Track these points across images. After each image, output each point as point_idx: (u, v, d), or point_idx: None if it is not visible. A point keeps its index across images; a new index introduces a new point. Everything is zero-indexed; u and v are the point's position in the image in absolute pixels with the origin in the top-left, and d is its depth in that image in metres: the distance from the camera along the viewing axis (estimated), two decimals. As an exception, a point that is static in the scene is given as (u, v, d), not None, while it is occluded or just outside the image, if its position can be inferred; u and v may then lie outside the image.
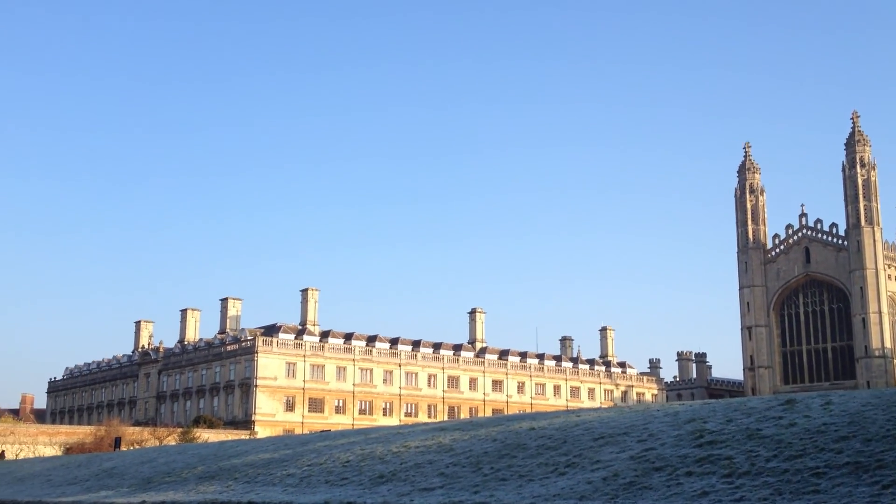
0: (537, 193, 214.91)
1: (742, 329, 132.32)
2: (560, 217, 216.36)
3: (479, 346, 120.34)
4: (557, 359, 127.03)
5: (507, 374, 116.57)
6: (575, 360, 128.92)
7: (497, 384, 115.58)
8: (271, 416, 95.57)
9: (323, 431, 37.58)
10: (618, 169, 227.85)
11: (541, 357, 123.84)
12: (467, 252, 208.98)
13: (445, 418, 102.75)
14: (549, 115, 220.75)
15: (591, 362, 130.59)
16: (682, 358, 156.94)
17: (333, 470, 20.43)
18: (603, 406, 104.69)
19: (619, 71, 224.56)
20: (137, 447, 62.26)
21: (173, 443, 70.34)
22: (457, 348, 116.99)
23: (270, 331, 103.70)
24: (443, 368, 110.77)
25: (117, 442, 56.61)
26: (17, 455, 74.28)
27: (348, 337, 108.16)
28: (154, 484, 26.08)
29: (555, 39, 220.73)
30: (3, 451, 75.92)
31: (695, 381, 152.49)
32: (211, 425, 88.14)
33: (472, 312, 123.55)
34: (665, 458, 13.55)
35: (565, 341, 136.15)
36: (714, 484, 11.85)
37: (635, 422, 16.48)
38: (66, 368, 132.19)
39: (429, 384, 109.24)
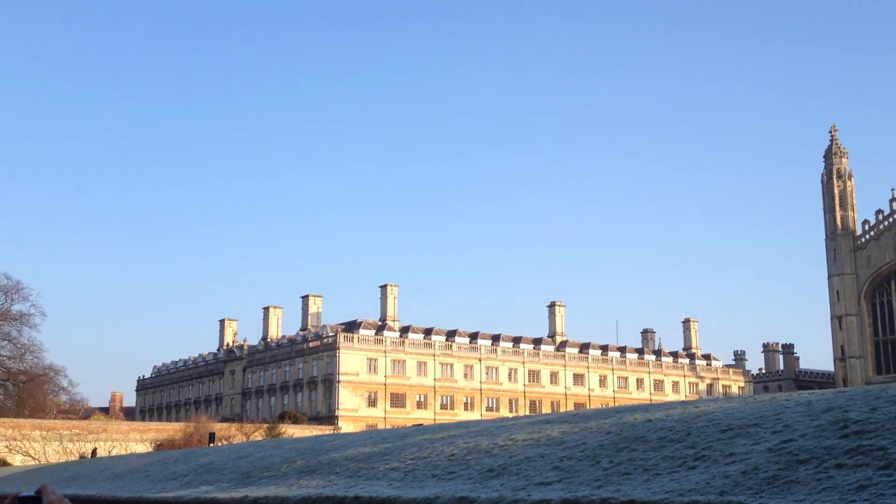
0: (617, 186, 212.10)
1: (832, 318, 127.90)
2: (639, 208, 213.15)
3: (559, 339, 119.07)
4: (639, 352, 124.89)
5: (588, 367, 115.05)
6: (657, 353, 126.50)
7: (578, 378, 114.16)
8: (354, 411, 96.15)
9: (417, 425, 37.20)
10: (699, 156, 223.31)
11: (622, 350, 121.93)
12: (545, 245, 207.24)
13: (527, 412, 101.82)
14: (622, 102, 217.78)
15: (675, 355, 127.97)
16: (768, 349, 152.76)
17: (439, 464, 19.88)
18: (689, 399, 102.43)
19: (701, 50, 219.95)
20: (225, 443, 63.10)
21: (260, 438, 71.12)
22: (537, 342, 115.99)
23: (351, 327, 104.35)
24: (523, 363, 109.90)
25: (211, 437, 57.38)
26: (109, 452, 76.11)
27: (428, 332, 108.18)
28: (254, 478, 25.95)
29: (632, 14, 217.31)
30: (95, 449, 77.94)
31: (782, 373, 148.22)
32: (296, 421, 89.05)
33: (552, 306, 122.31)
34: (809, 449, 12.61)
35: (647, 334, 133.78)
36: (871, 477, 10.90)
37: (764, 412, 15.53)
38: (154, 367, 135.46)
39: (509, 378, 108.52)
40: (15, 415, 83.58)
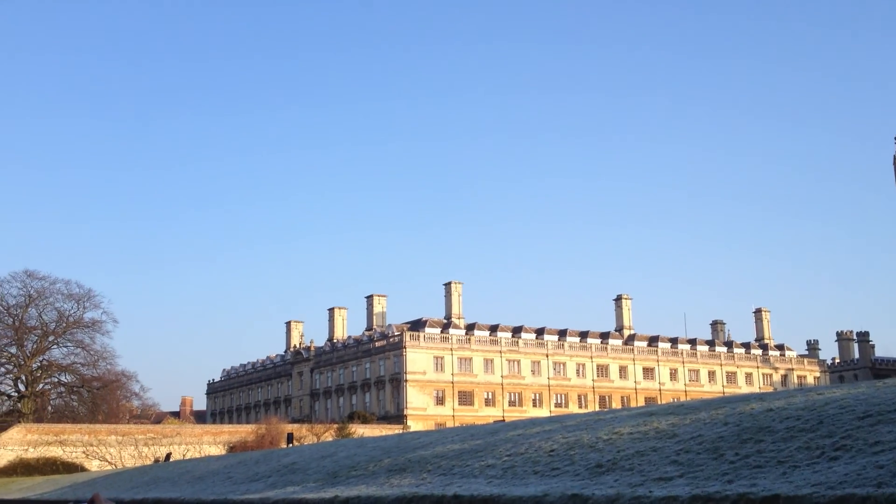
0: (684, 175, 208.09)
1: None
2: (707, 198, 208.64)
3: (626, 333, 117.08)
4: (710, 343, 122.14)
5: (658, 361, 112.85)
6: (729, 345, 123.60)
7: (648, 372, 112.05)
8: (422, 409, 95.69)
9: (499, 421, 36.25)
10: (769, 145, 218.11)
11: (692, 342, 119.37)
12: (611, 238, 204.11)
13: (597, 408, 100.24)
14: (695, 88, 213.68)
15: (747, 346, 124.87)
16: (842, 338, 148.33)
17: (539, 460, 18.94)
18: (763, 391, 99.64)
19: (769, 39, 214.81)
20: (297, 444, 62.98)
21: (330, 438, 70.95)
22: (604, 336, 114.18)
23: (416, 326, 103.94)
24: (591, 357, 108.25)
25: (290, 437, 57.31)
26: (183, 455, 76.72)
27: (493, 329, 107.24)
28: (341, 478, 25.34)
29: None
30: (170, 453, 78.69)
31: (858, 362, 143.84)
32: (365, 420, 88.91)
33: (618, 299, 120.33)
34: (971, 436, 11.42)
35: (716, 325, 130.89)
36: None
37: (903, 397, 14.32)
38: (223, 370, 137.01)
39: (577, 374, 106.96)
40: (89, 420, 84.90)
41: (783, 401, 17.25)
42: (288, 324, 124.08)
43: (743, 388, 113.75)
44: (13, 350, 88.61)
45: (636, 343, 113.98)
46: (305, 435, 77.72)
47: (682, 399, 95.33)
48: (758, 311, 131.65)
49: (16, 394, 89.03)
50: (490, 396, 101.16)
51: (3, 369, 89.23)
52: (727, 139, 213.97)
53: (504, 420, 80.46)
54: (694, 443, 16.06)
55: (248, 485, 30.19)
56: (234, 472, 34.71)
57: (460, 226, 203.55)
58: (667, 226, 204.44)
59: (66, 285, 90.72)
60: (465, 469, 20.82)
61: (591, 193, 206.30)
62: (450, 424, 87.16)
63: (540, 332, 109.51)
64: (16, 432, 76.99)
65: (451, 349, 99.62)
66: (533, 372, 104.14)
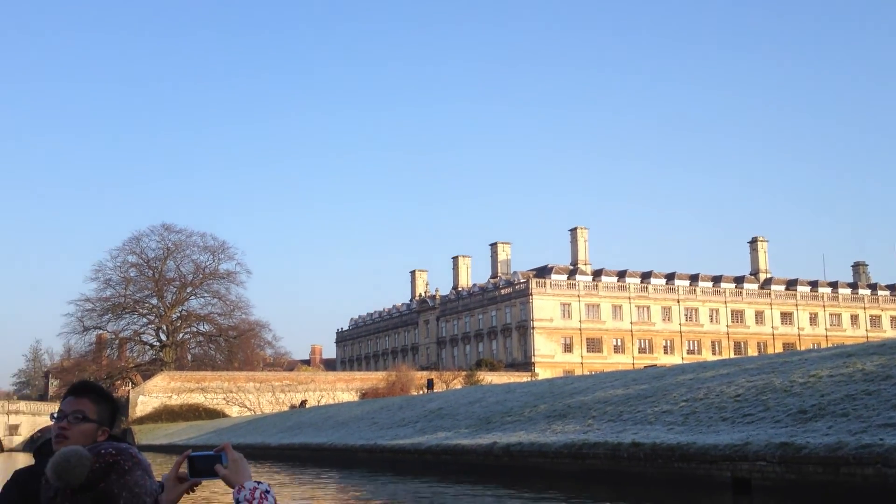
0: (818, 107, 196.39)
1: None
2: (845, 129, 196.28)
3: (762, 276, 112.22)
4: (852, 286, 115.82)
5: (796, 305, 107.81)
6: (872, 287, 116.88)
7: (786, 316, 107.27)
8: (550, 357, 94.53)
9: (651, 366, 34.66)
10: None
11: (833, 286, 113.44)
12: (744, 177, 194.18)
13: (731, 355, 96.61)
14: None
15: (892, 288, 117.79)
16: None
17: (724, 405, 17.29)
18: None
19: None
20: (425, 392, 62.96)
21: (459, 386, 70.76)
22: (738, 280, 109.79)
23: (542, 272, 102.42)
24: (725, 302, 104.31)
25: (430, 383, 57.09)
26: (318, 401, 78.11)
27: (622, 275, 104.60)
28: (494, 424, 24.33)
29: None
30: (305, 400, 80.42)
31: None
32: (492, 368, 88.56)
33: (753, 241, 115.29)
34: None
35: (858, 267, 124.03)
36: None
37: None
38: (351, 319, 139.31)
39: (711, 320, 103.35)
40: (226, 368, 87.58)
41: None
42: (413, 273, 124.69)
43: (888, 332, 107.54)
44: (154, 301, 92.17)
45: (773, 287, 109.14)
46: (435, 382, 77.92)
47: (824, 345, 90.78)
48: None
49: (158, 343, 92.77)
50: (619, 343, 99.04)
51: (145, 320, 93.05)
52: (852, 67, 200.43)
53: (634, 367, 78.50)
54: (918, 385, 14.14)
55: (396, 430, 29.68)
56: (378, 418, 34.38)
57: (585, 169, 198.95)
58: (804, 161, 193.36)
59: (201, 238, 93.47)
60: (635, 415, 19.37)
61: (723, 130, 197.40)
62: (578, 372, 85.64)
63: (670, 278, 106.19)
64: (159, 380, 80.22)
65: (578, 296, 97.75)
66: (663, 318, 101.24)
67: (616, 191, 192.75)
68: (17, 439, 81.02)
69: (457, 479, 19.40)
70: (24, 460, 42.44)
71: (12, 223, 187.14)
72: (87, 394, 2.89)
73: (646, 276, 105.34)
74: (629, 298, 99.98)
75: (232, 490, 2.33)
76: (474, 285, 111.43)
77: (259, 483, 2.30)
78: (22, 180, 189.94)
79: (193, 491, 2.64)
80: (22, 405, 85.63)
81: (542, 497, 15.14)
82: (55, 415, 2.86)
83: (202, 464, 2.48)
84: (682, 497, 13.69)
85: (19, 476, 2.74)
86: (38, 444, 2.64)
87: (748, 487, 13.50)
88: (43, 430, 77.99)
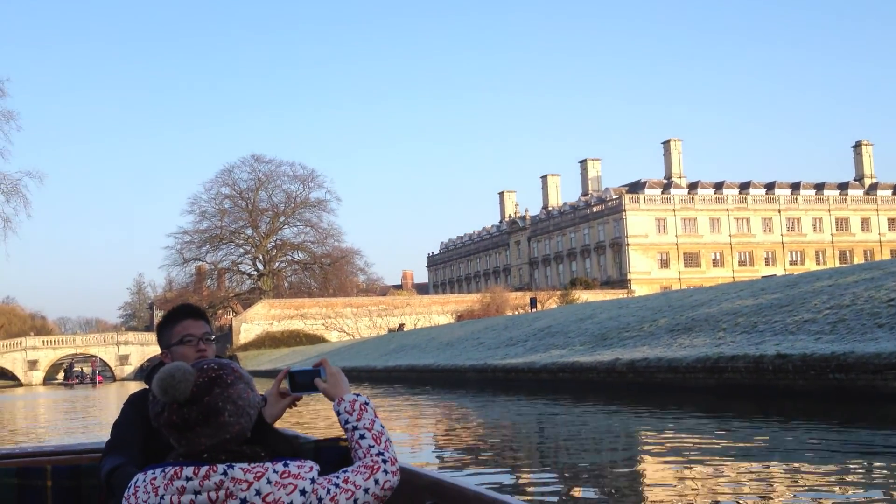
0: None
1: None
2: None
3: (867, 182, 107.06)
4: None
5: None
6: None
7: (894, 222, 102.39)
8: (646, 273, 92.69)
9: (770, 276, 32.98)
10: None
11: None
12: (844, 79, 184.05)
13: (837, 264, 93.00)
14: None
15: None
16: None
17: (878, 311, 15.88)
18: None
19: None
20: (521, 311, 62.29)
21: (555, 305, 69.90)
22: (842, 187, 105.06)
23: (635, 188, 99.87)
24: (828, 210, 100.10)
25: (533, 302, 56.48)
26: (415, 325, 78.47)
27: (718, 186, 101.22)
28: (611, 340, 23.37)
29: None
30: (403, 323, 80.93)
31: None
32: (587, 286, 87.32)
33: (857, 146, 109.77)
34: None
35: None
36: None
37: None
38: (441, 243, 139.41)
39: (814, 229, 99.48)
40: (322, 295, 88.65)
41: None
42: (501, 194, 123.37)
43: None
44: (249, 232, 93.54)
45: (879, 192, 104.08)
46: (529, 302, 77.28)
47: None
48: None
49: (255, 273, 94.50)
50: (717, 257, 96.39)
51: (241, 250, 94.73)
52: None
53: (735, 281, 76.08)
54: None
55: (505, 349, 29.04)
56: (483, 338, 33.82)
57: (676, 81, 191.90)
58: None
59: (290, 167, 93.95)
60: (773, 326, 18.09)
61: (815, 31, 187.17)
62: (676, 287, 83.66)
63: (770, 187, 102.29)
64: (260, 308, 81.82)
65: (674, 210, 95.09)
66: (764, 229, 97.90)
67: (709, 101, 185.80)
68: (128, 369, 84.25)
69: (577, 397, 18.59)
70: (136, 388, 43.74)
71: (112, 159, 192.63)
72: (204, 316, 3.01)
73: (744, 187, 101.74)
74: (727, 210, 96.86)
75: (332, 403, 2.36)
76: (564, 204, 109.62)
77: (358, 395, 2.33)
78: (124, 117, 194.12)
79: (295, 405, 2.68)
80: (130, 336, 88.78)
81: (689, 415, 14.16)
82: (186, 339, 2.91)
83: (302, 378, 2.51)
84: (845, 410, 12.53)
85: (134, 398, 2.93)
86: (148, 371, 2.63)
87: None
88: (151, 360, 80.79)
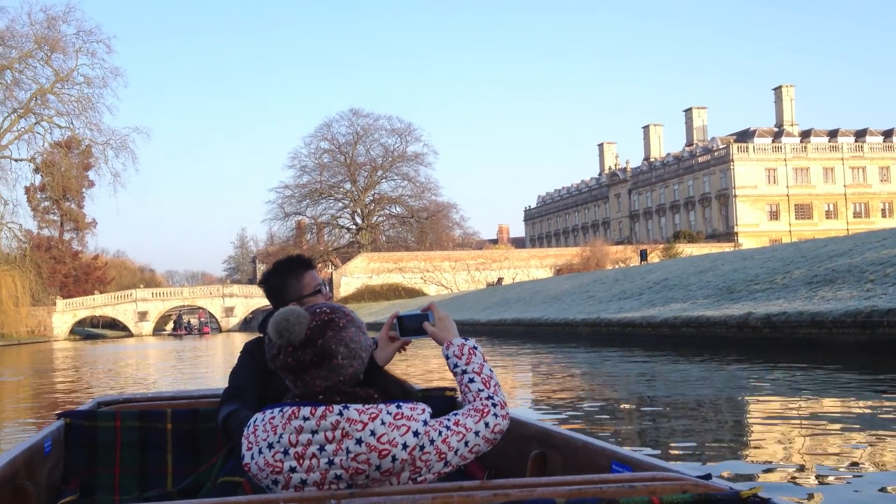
0: None
1: None
2: None
3: None
4: None
5: None
6: None
7: None
8: (754, 226, 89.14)
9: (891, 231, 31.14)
10: None
11: None
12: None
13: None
14: None
15: None
16: None
17: None
18: None
19: None
20: (623, 266, 60.36)
21: (657, 259, 67.65)
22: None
23: (743, 136, 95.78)
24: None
25: (643, 254, 54.63)
26: (513, 279, 77.41)
27: (832, 134, 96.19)
28: (739, 293, 21.82)
29: None
30: (501, 277, 79.98)
31: None
32: (692, 239, 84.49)
33: None
34: None
35: None
36: None
37: None
38: (538, 196, 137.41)
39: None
40: (419, 249, 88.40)
41: None
42: (600, 146, 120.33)
43: None
44: (348, 186, 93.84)
45: None
46: (630, 256, 75.10)
47: None
48: None
49: (354, 227, 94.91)
50: (831, 209, 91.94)
51: (340, 204, 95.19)
52: None
53: (849, 233, 72.23)
54: None
55: (618, 303, 27.73)
56: (593, 291, 32.53)
57: (785, 23, 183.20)
58: None
59: (388, 121, 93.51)
60: (930, 276, 16.31)
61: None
62: (786, 240, 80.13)
63: (888, 135, 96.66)
64: (359, 261, 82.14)
65: (785, 159, 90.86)
66: (881, 179, 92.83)
67: (823, 45, 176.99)
68: (233, 320, 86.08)
69: (702, 353, 17.24)
70: (242, 339, 44.31)
71: (216, 117, 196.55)
72: (314, 266, 3.11)
73: (860, 135, 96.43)
74: (842, 159, 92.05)
75: (441, 347, 2.37)
76: (667, 155, 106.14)
77: (467, 339, 2.34)
78: (227, 73, 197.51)
79: (405, 350, 2.65)
80: (235, 289, 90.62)
81: (850, 373, 12.72)
82: (318, 288, 2.98)
83: (411, 323, 2.53)
84: None
85: (250, 346, 3.04)
86: (263, 319, 2.68)
87: None
88: (255, 312, 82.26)
